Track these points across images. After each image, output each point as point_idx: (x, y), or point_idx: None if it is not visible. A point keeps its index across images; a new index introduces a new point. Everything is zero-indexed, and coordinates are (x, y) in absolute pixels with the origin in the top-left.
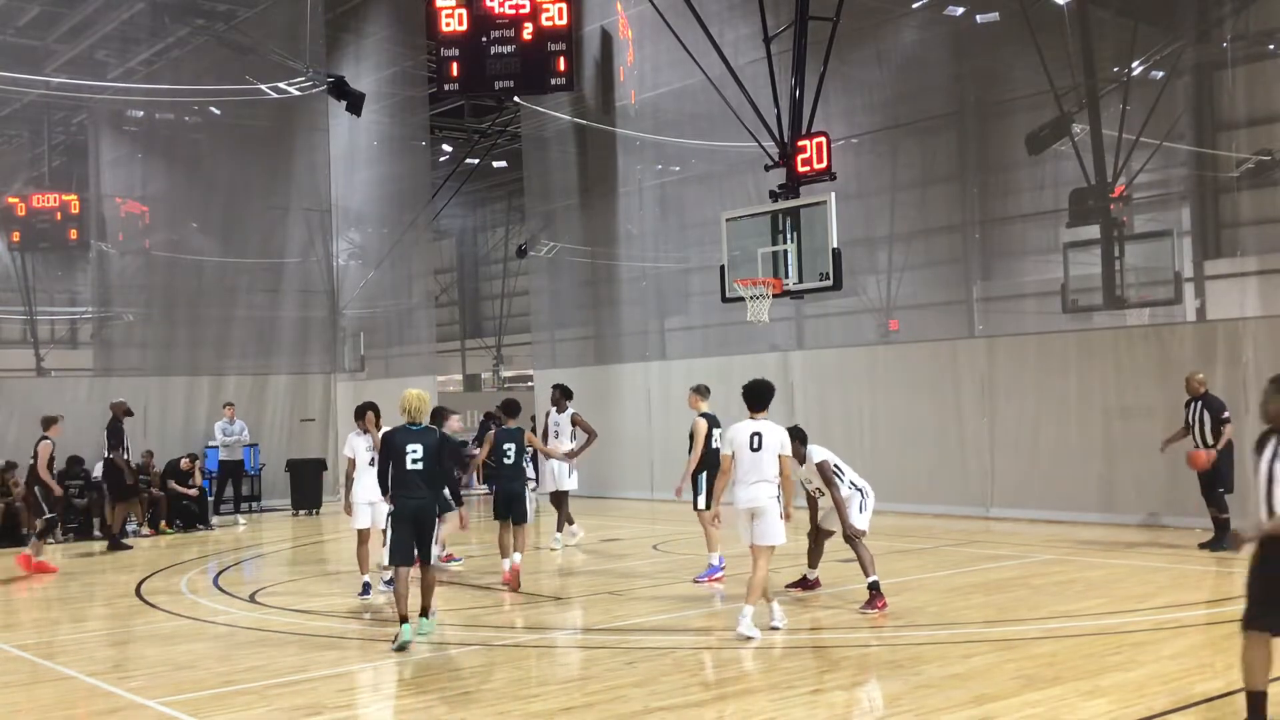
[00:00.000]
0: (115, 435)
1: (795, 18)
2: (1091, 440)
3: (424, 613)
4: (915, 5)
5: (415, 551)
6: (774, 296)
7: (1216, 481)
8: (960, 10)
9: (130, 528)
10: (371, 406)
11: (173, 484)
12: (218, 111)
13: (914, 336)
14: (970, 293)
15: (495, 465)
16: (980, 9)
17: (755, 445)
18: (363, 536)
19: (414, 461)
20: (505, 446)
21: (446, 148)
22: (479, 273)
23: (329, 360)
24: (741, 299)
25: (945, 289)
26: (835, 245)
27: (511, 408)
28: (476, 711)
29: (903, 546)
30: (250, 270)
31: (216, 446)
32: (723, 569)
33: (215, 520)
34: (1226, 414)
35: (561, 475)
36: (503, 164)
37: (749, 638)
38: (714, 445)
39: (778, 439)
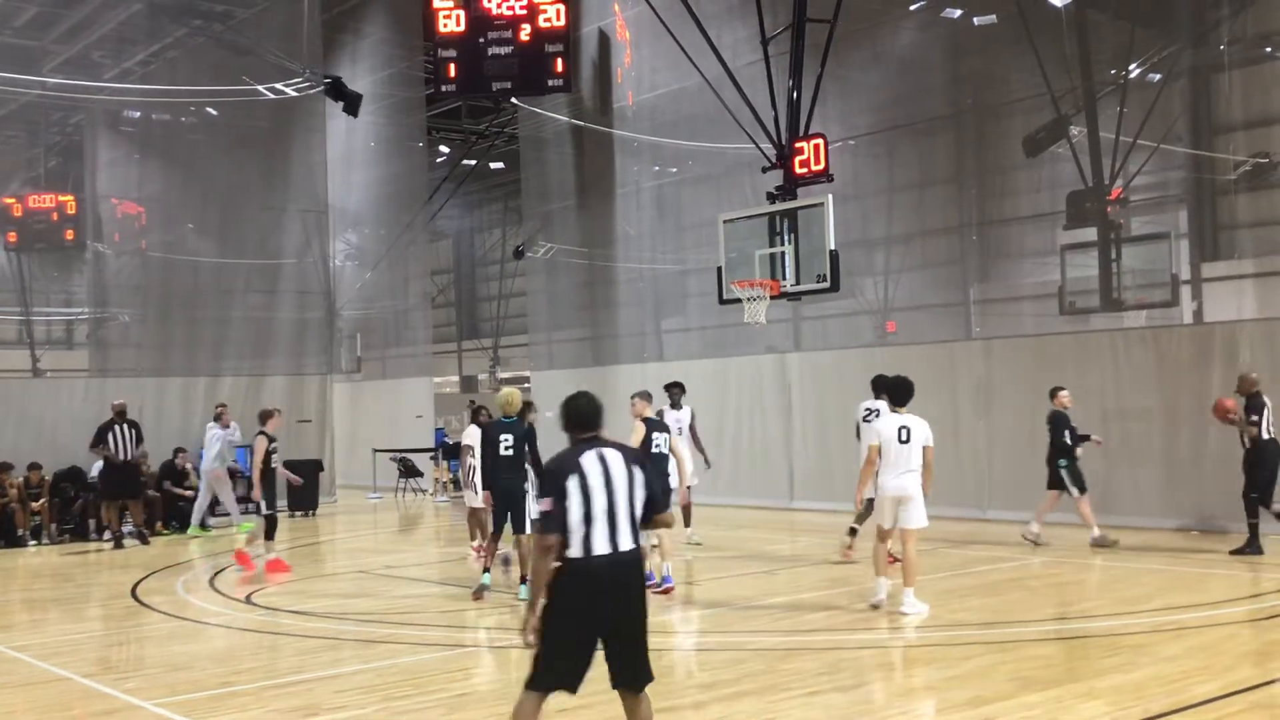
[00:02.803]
0: (100, 434)
1: (793, 19)
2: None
3: (523, 579)
4: (913, 7)
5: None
6: (771, 298)
7: (1251, 486)
8: (958, 13)
9: (127, 529)
10: (484, 408)
11: (168, 485)
12: (214, 112)
13: (911, 338)
14: (967, 295)
15: None
16: (978, 11)
17: (904, 438)
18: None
19: (506, 448)
20: None
21: (444, 149)
22: (476, 274)
23: (325, 361)
24: (739, 300)
25: (942, 291)
26: (832, 247)
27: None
28: (476, 712)
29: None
30: (247, 271)
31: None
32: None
33: (211, 521)
34: (1255, 416)
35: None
36: (500, 165)
37: (917, 612)
38: (653, 450)
39: (924, 432)
